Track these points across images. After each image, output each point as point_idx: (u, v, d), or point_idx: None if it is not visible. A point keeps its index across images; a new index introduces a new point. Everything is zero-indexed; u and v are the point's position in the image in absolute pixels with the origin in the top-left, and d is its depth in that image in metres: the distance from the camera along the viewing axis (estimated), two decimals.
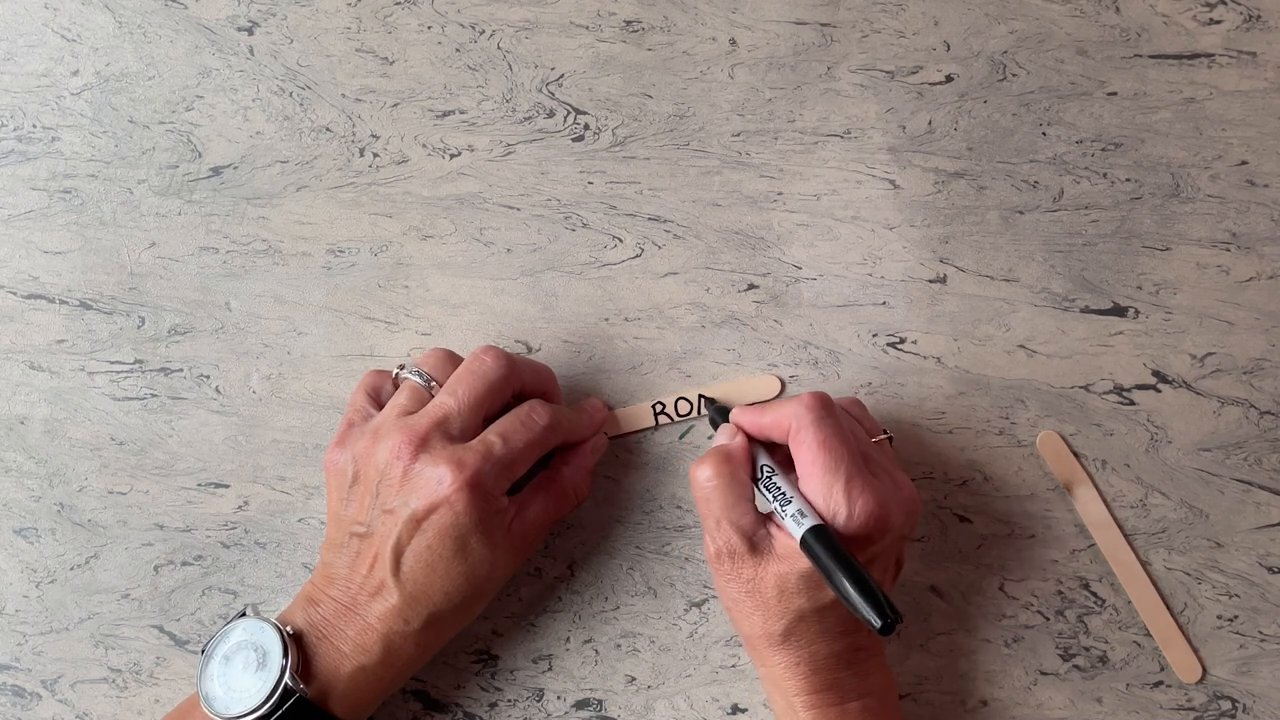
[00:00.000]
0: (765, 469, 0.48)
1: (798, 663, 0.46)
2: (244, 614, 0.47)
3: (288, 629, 0.46)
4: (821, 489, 0.45)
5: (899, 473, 0.48)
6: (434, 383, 0.49)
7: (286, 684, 0.45)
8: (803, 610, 0.45)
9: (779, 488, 0.47)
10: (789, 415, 0.46)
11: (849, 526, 0.44)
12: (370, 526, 0.47)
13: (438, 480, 0.45)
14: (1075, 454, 0.53)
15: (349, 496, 0.48)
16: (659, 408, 0.54)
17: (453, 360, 0.50)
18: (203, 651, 0.47)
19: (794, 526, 0.45)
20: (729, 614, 0.48)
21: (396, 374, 0.50)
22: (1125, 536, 0.52)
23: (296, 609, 0.47)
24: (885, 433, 0.50)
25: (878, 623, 0.42)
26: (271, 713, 0.44)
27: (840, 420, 0.46)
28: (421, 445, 0.46)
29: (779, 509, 0.46)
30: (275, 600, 0.55)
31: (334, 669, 0.46)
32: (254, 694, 0.45)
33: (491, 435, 0.47)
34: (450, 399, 0.48)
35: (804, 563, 0.44)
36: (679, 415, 0.54)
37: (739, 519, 0.46)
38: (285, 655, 0.45)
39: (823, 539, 0.44)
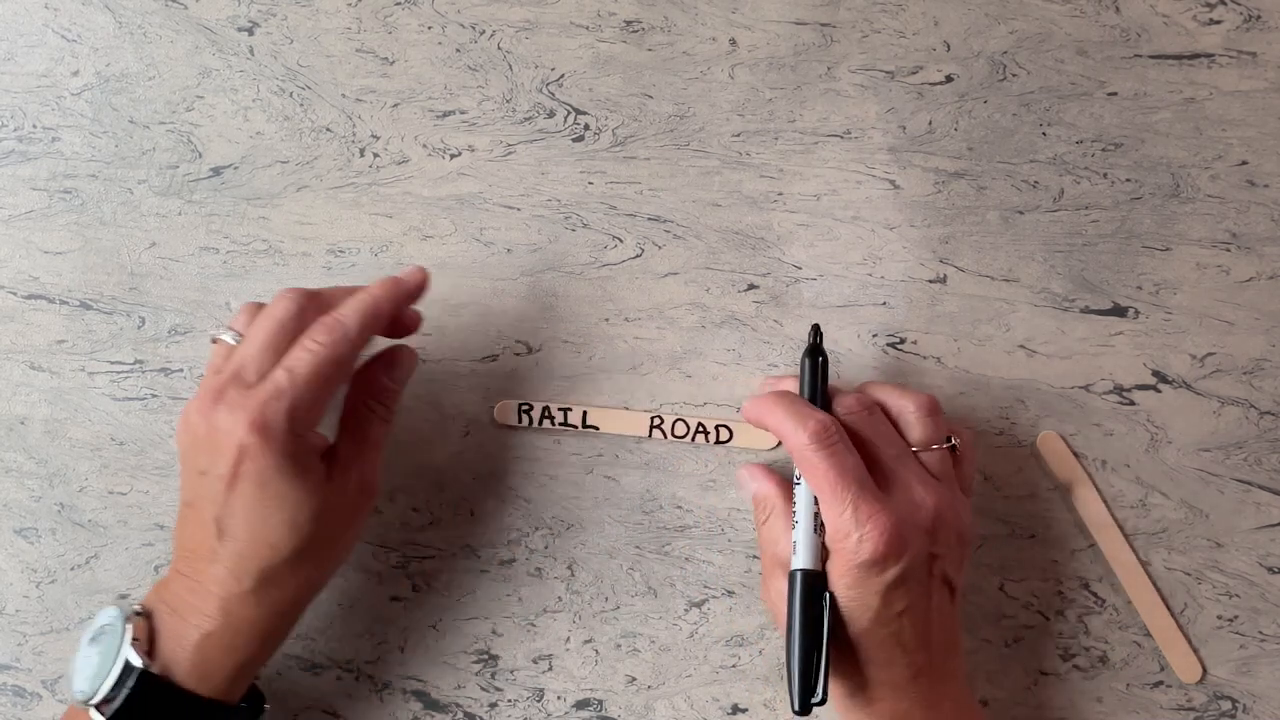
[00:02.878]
0: (796, 481, 0.48)
1: (855, 692, 0.46)
2: (112, 602, 0.47)
3: (135, 608, 0.46)
4: (831, 513, 0.45)
5: (926, 486, 0.46)
6: (240, 337, 0.48)
7: (127, 659, 0.44)
8: (842, 638, 0.45)
9: (793, 516, 0.48)
10: (791, 442, 0.46)
11: (860, 550, 0.44)
12: (193, 492, 0.46)
13: (229, 431, 0.44)
14: (1075, 454, 0.53)
15: (182, 465, 0.47)
16: (656, 421, 0.54)
17: (258, 309, 0.49)
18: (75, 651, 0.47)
19: (796, 556, 0.46)
20: None
21: (212, 336, 0.49)
22: (1125, 536, 0.52)
23: (153, 590, 0.47)
24: (949, 440, 0.48)
25: (795, 704, 0.44)
26: (117, 690, 0.44)
27: (843, 443, 0.45)
28: (217, 398, 0.44)
29: (793, 532, 0.47)
30: None
31: (178, 640, 0.45)
32: (102, 675, 0.44)
33: (278, 370, 0.45)
34: (244, 347, 0.46)
35: (837, 590, 0.45)
36: (674, 435, 0.54)
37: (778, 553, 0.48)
38: (124, 633, 0.44)
39: (804, 585, 0.45)
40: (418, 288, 0.49)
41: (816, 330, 0.50)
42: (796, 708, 0.44)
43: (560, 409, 0.54)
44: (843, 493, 0.44)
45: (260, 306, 0.48)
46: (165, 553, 0.55)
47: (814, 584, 0.45)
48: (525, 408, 0.54)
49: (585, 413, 0.54)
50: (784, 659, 0.46)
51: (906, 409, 0.48)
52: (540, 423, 0.54)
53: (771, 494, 0.50)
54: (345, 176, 0.56)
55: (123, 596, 0.47)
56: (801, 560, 0.46)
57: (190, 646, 0.45)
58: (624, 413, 0.54)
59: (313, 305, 0.47)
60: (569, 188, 0.55)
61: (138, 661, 0.44)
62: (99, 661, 0.45)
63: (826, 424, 0.45)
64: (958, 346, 0.54)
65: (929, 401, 0.48)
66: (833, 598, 0.45)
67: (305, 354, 0.45)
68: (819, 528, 0.46)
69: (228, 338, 0.48)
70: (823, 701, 0.44)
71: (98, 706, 0.44)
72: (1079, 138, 0.54)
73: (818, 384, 0.48)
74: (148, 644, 0.45)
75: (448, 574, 0.54)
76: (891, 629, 0.45)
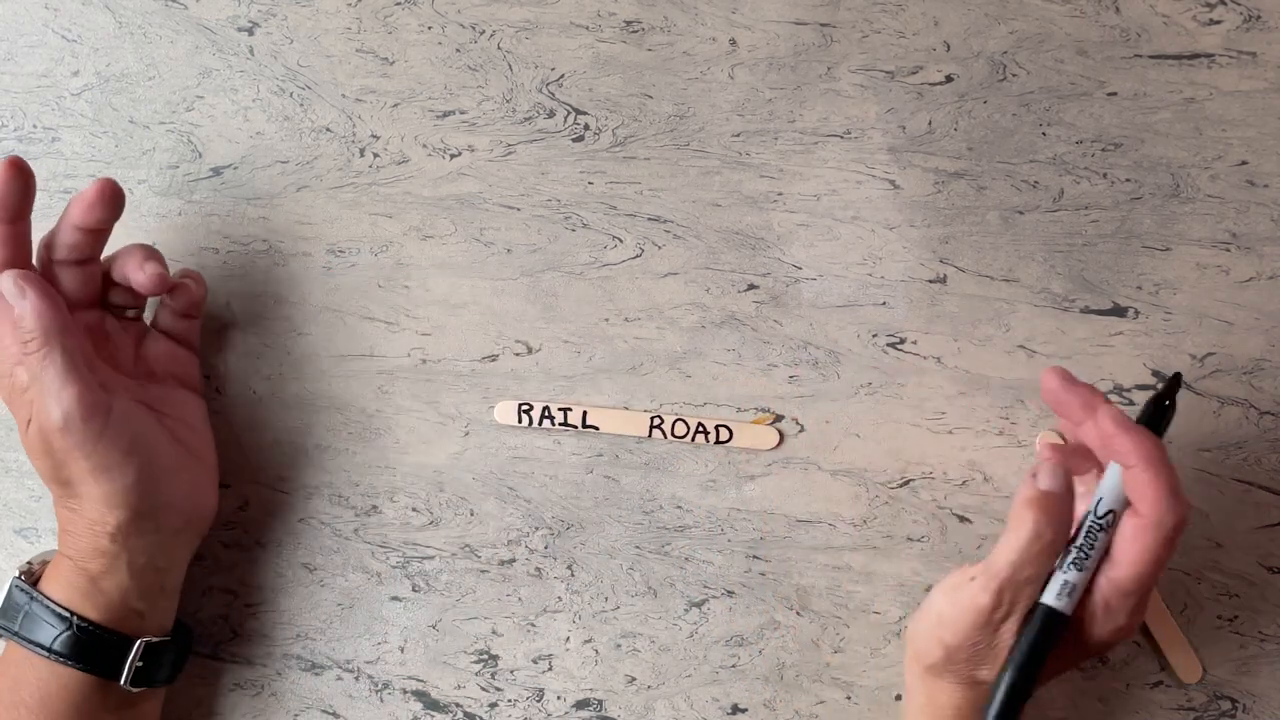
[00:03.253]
0: (1096, 525, 0.44)
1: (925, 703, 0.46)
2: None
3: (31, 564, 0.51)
4: (1117, 590, 0.43)
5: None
6: None
7: (14, 577, 0.49)
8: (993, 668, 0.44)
9: (1083, 549, 0.43)
10: (1155, 507, 0.42)
11: (1109, 637, 0.43)
12: None
13: None
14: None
15: None
16: (656, 421, 0.54)
17: None
18: None
19: (1050, 588, 0.43)
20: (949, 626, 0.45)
21: None
22: None
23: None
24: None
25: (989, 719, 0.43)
26: (4, 603, 0.49)
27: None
28: None
29: (1063, 561, 0.43)
30: (274, 600, 0.55)
31: (46, 558, 0.50)
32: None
33: None
34: None
35: (1100, 637, 0.44)
36: (674, 436, 0.54)
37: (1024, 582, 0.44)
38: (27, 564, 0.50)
39: (1053, 626, 0.43)
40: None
41: (1175, 381, 0.46)
42: None
43: (560, 409, 0.54)
44: (1146, 587, 0.43)
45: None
46: None
47: (1059, 631, 0.43)
48: (525, 408, 0.54)
49: (585, 413, 0.54)
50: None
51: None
52: (540, 423, 0.54)
53: (1069, 512, 0.44)
54: (345, 176, 0.56)
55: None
56: (1064, 603, 0.43)
57: (51, 562, 0.49)
58: (624, 413, 0.54)
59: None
60: (569, 188, 0.55)
61: (15, 573, 0.49)
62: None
63: (1186, 518, 0.42)
64: (958, 346, 0.54)
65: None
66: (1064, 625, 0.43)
67: None
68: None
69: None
70: None
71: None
72: (1079, 138, 0.54)
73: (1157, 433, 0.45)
74: (39, 568, 0.50)
75: (448, 574, 0.54)
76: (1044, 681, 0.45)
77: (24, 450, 0.49)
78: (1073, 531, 0.44)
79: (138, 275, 0.49)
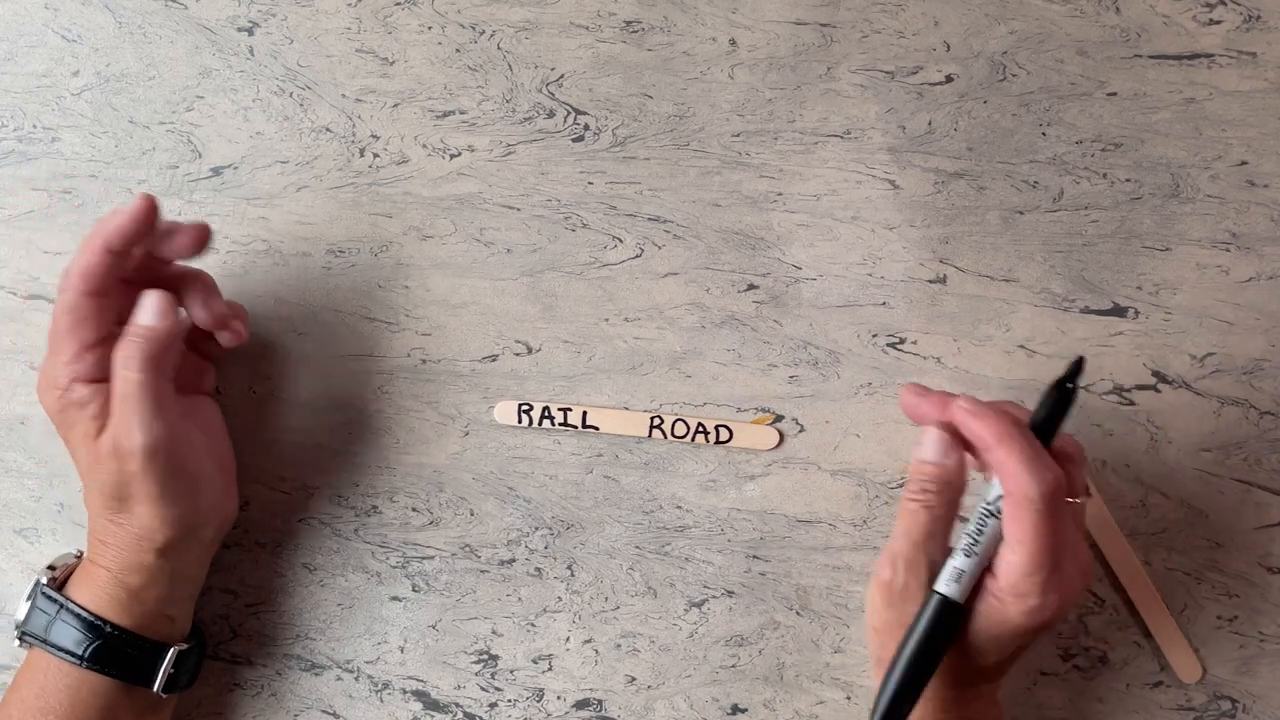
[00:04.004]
0: (986, 512, 0.44)
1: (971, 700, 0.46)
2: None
3: (75, 551, 0.52)
4: (1018, 572, 0.42)
5: (1080, 548, 0.45)
6: None
7: (38, 580, 0.49)
8: (965, 668, 0.45)
9: (973, 535, 0.44)
10: (1017, 482, 0.42)
11: (1030, 618, 0.43)
12: None
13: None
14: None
15: None
16: (656, 422, 0.54)
17: None
18: None
19: (942, 575, 0.44)
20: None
21: None
22: (1125, 537, 0.52)
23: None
24: (1088, 492, 0.47)
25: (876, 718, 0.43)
26: (31, 611, 0.48)
27: (1065, 506, 0.43)
28: None
29: (957, 548, 0.44)
30: (274, 600, 0.55)
31: (73, 566, 0.50)
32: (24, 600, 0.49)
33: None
34: None
35: (983, 631, 0.44)
36: (674, 436, 0.54)
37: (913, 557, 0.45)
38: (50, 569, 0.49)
39: (944, 615, 0.43)
40: (139, 219, 0.47)
41: (1079, 366, 0.44)
42: None
43: (560, 409, 0.54)
44: (1044, 562, 0.42)
45: None
46: None
47: (956, 619, 0.44)
48: (525, 408, 0.54)
49: (585, 413, 0.54)
50: (878, 678, 0.45)
51: (1067, 449, 0.46)
52: (540, 423, 0.54)
53: (954, 483, 0.45)
54: (345, 176, 0.56)
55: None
56: (954, 590, 0.44)
57: (80, 569, 0.49)
58: (624, 413, 0.54)
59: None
60: (569, 188, 0.55)
61: (43, 579, 0.49)
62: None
63: (1060, 486, 0.42)
64: (958, 346, 0.54)
65: (1081, 450, 0.46)
66: (957, 631, 0.44)
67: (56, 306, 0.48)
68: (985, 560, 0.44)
69: None
70: None
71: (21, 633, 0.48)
72: (1079, 138, 0.54)
73: (1053, 425, 0.44)
74: (65, 575, 0.49)
75: (448, 574, 0.54)
76: (1005, 669, 0.46)
77: (73, 458, 0.48)
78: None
79: (200, 313, 0.50)
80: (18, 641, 0.48)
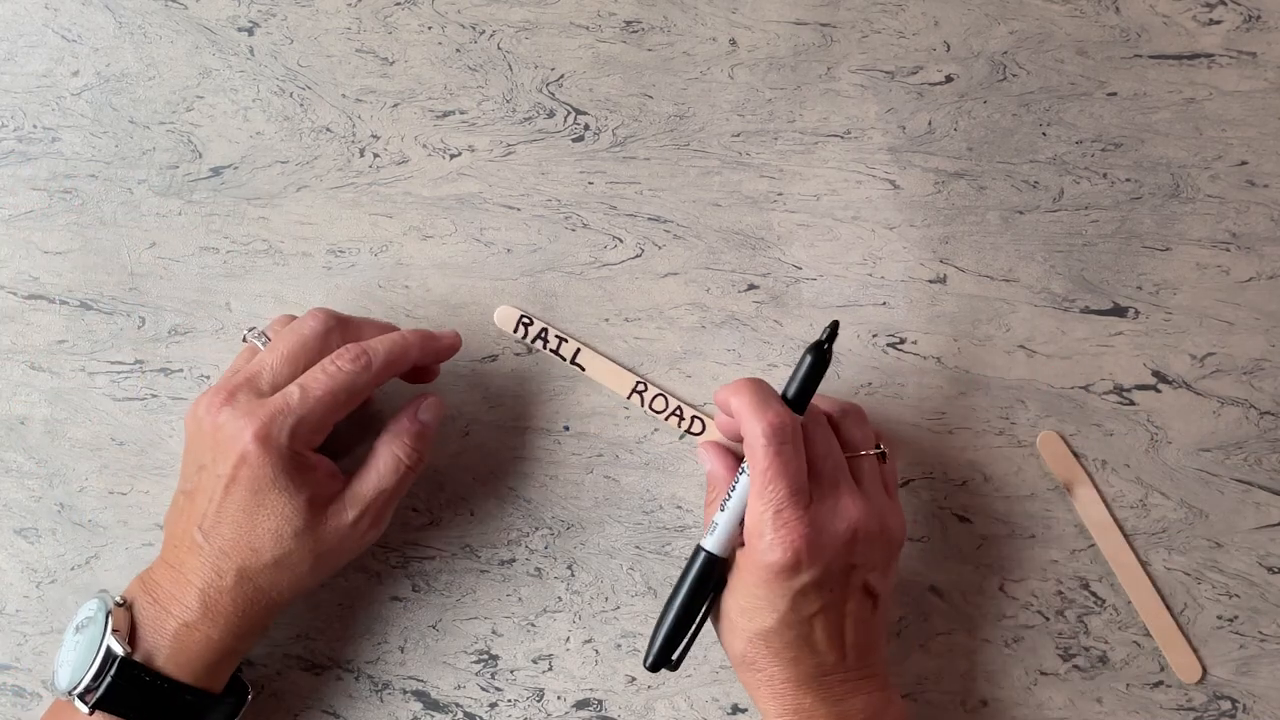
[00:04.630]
0: (742, 470, 0.47)
1: (759, 685, 0.46)
2: (95, 595, 0.48)
3: (118, 598, 0.47)
4: (755, 507, 0.45)
5: (854, 498, 0.46)
6: (268, 343, 0.50)
7: (109, 647, 0.45)
8: (748, 632, 0.46)
9: (728, 492, 0.47)
10: (745, 428, 0.45)
11: (768, 554, 0.44)
12: (190, 484, 0.47)
13: (236, 434, 0.45)
14: (1075, 454, 0.53)
15: (185, 455, 0.49)
16: (639, 387, 0.54)
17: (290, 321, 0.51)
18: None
19: (706, 533, 0.47)
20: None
21: (244, 336, 0.51)
22: (1125, 537, 0.52)
23: (137, 579, 0.48)
24: (879, 448, 0.49)
25: (647, 661, 0.47)
26: (99, 679, 0.45)
27: (793, 445, 0.45)
28: (228, 400, 0.46)
29: (716, 510, 0.47)
30: None
31: (158, 628, 0.46)
32: (84, 664, 0.45)
33: (291, 386, 0.47)
34: (266, 355, 0.48)
35: (744, 586, 0.46)
36: (651, 410, 0.54)
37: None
38: (107, 622, 0.45)
39: (697, 561, 0.47)
40: (449, 350, 0.51)
41: (834, 329, 0.47)
42: (648, 664, 0.47)
43: (557, 335, 0.54)
44: (771, 493, 0.44)
45: (292, 319, 0.50)
46: None
47: (711, 569, 0.47)
48: (525, 320, 0.54)
49: (578, 349, 0.54)
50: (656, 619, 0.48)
51: (838, 414, 0.49)
52: (534, 341, 0.54)
53: (721, 478, 0.49)
54: (345, 176, 0.56)
55: (103, 591, 0.48)
56: (712, 543, 0.47)
57: (169, 635, 0.46)
58: (612, 365, 0.54)
59: (339, 329, 0.49)
60: (569, 188, 0.55)
61: (119, 649, 0.45)
62: (82, 652, 0.46)
63: (784, 421, 0.45)
64: (958, 346, 0.54)
65: (858, 409, 0.50)
66: (722, 584, 0.47)
67: (324, 376, 0.47)
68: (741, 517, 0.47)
69: (257, 341, 0.50)
70: (675, 667, 0.47)
71: (82, 696, 0.45)
72: (1079, 138, 0.54)
73: (808, 384, 0.47)
74: (128, 633, 0.46)
75: (448, 574, 0.54)
76: (800, 631, 0.45)
77: (254, 508, 0.46)
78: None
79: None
80: (84, 704, 0.45)
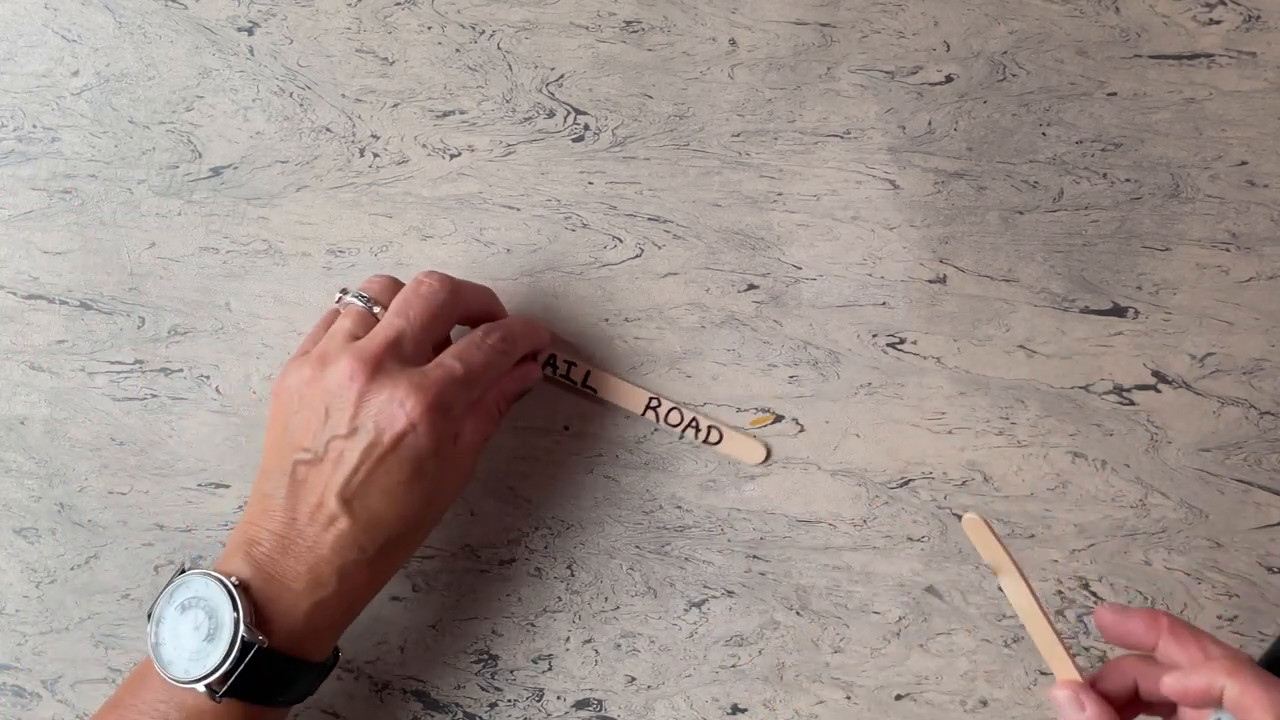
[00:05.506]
0: None
1: None
2: (184, 570, 0.44)
3: (232, 579, 0.43)
4: None
5: None
6: (377, 307, 0.48)
7: (244, 638, 0.42)
8: None
9: None
10: (1228, 681, 0.37)
11: None
12: (317, 453, 0.45)
13: (399, 404, 0.44)
14: (999, 537, 0.45)
15: (291, 423, 0.45)
16: (653, 403, 0.54)
17: (395, 285, 0.49)
18: (149, 616, 0.44)
19: None
20: None
21: (340, 298, 0.49)
22: (1050, 623, 0.44)
23: (235, 554, 0.45)
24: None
25: None
26: (234, 669, 0.42)
27: None
28: (376, 368, 0.45)
29: None
30: None
31: (291, 610, 0.44)
32: (212, 654, 0.42)
33: (449, 359, 0.47)
34: (401, 320, 0.47)
35: None
36: (667, 424, 0.53)
37: None
38: (235, 608, 0.42)
39: None
40: (543, 347, 0.53)
41: None
42: None
43: (565, 360, 0.54)
44: None
45: (396, 280, 0.50)
46: (165, 552, 0.55)
47: None
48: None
49: (589, 372, 0.54)
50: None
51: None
52: (543, 367, 0.54)
53: None
54: (345, 176, 0.56)
55: (196, 562, 0.47)
56: None
57: (303, 615, 0.44)
58: (625, 384, 0.54)
59: (460, 297, 0.49)
60: (569, 188, 0.55)
61: (254, 639, 0.42)
62: (203, 639, 0.43)
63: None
64: (958, 346, 0.54)
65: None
66: None
67: (479, 353, 0.48)
68: None
69: (358, 303, 0.48)
70: None
71: (209, 685, 0.42)
72: (1079, 138, 0.54)
73: None
74: (254, 616, 0.43)
75: (448, 574, 0.54)
76: None
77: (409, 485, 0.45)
78: None
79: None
80: (211, 693, 0.43)
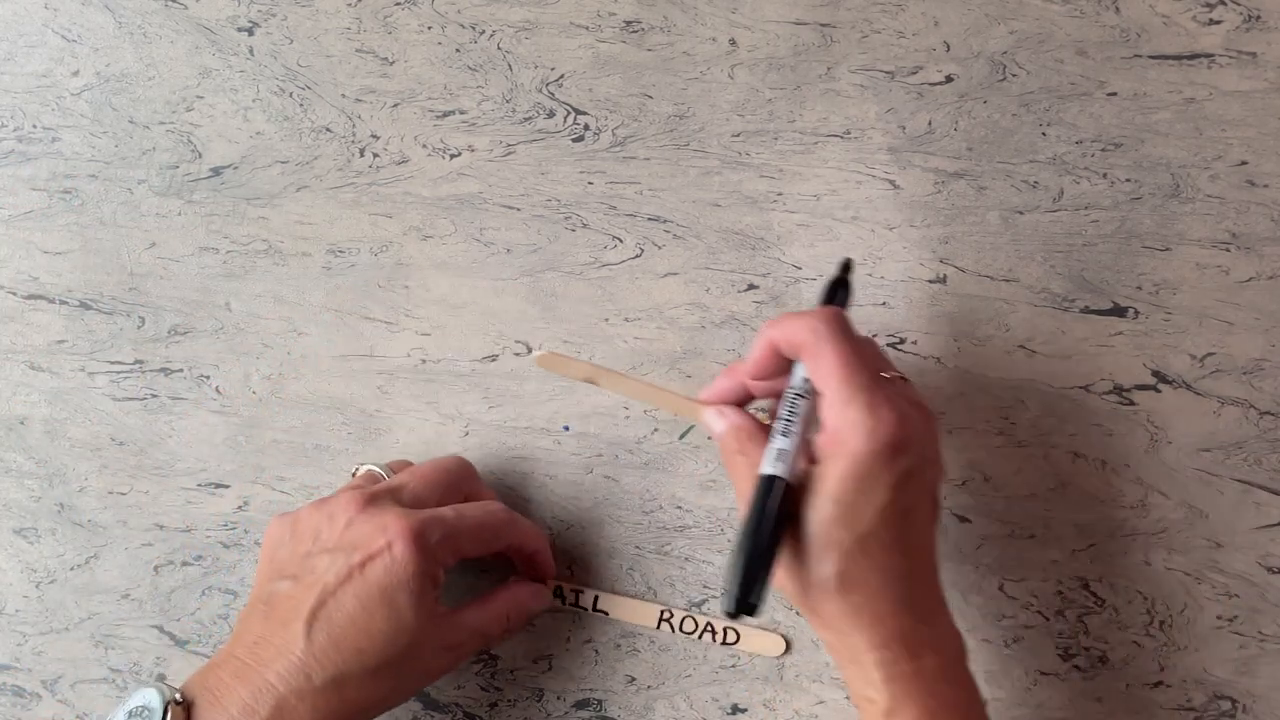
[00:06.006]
0: (794, 394, 0.45)
1: (853, 612, 0.42)
2: (150, 679, 0.46)
3: (178, 695, 0.43)
4: (839, 399, 0.42)
5: (912, 400, 0.45)
6: (392, 473, 0.51)
7: None
8: (845, 544, 0.41)
9: (784, 417, 0.44)
10: (802, 329, 0.43)
11: (872, 438, 0.41)
12: (297, 575, 0.45)
13: (381, 527, 0.45)
14: (570, 358, 0.51)
15: (278, 554, 0.47)
16: (666, 614, 0.53)
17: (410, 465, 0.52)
18: None
19: (765, 461, 0.43)
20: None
21: (356, 470, 0.52)
22: (659, 387, 0.51)
23: (199, 672, 0.45)
24: (901, 376, 0.48)
25: (729, 605, 0.41)
26: None
27: (855, 337, 0.44)
28: (370, 501, 0.46)
29: (773, 433, 0.44)
30: None
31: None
32: None
33: (446, 508, 0.48)
34: (405, 476, 0.49)
35: (842, 488, 0.42)
36: (682, 632, 0.53)
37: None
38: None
39: (774, 490, 0.42)
40: (547, 574, 0.53)
41: (847, 266, 0.48)
42: (730, 610, 0.41)
43: (573, 589, 0.53)
44: (857, 378, 0.42)
45: (411, 463, 0.52)
46: (165, 552, 0.55)
47: (787, 496, 0.43)
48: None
49: (597, 597, 0.53)
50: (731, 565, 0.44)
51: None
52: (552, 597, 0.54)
53: (745, 425, 0.47)
54: (345, 176, 0.56)
55: (160, 680, 0.47)
56: (779, 468, 0.43)
57: None
58: (635, 602, 0.53)
59: (474, 479, 0.51)
60: (569, 188, 0.55)
61: None
62: None
63: (837, 311, 0.44)
64: (958, 346, 0.54)
65: (866, 338, 0.48)
66: (790, 514, 0.43)
67: (477, 510, 0.48)
68: (804, 440, 0.44)
69: (374, 468, 0.51)
70: (755, 611, 0.41)
71: None
72: (1079, 138, 0.54)
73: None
74: None
75: (448, 574, 0.54)
76: (897, 531, 0.42)
77: (363, 625, 0.44)
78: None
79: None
80: None
